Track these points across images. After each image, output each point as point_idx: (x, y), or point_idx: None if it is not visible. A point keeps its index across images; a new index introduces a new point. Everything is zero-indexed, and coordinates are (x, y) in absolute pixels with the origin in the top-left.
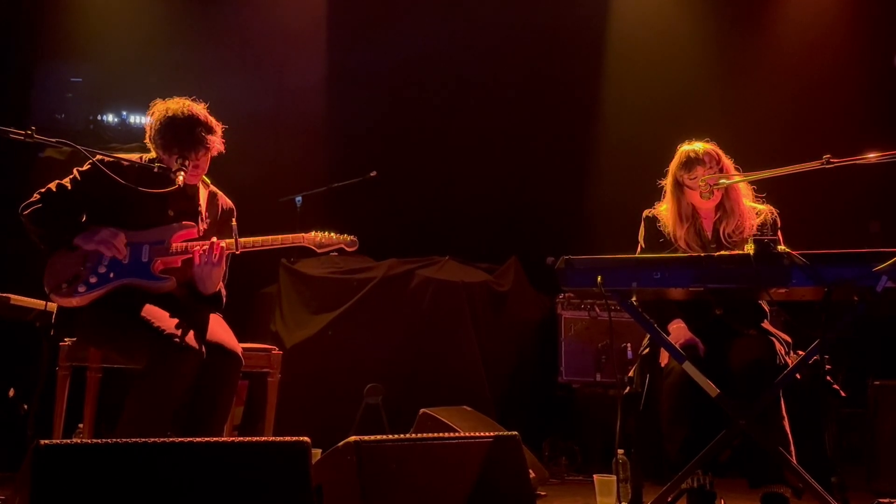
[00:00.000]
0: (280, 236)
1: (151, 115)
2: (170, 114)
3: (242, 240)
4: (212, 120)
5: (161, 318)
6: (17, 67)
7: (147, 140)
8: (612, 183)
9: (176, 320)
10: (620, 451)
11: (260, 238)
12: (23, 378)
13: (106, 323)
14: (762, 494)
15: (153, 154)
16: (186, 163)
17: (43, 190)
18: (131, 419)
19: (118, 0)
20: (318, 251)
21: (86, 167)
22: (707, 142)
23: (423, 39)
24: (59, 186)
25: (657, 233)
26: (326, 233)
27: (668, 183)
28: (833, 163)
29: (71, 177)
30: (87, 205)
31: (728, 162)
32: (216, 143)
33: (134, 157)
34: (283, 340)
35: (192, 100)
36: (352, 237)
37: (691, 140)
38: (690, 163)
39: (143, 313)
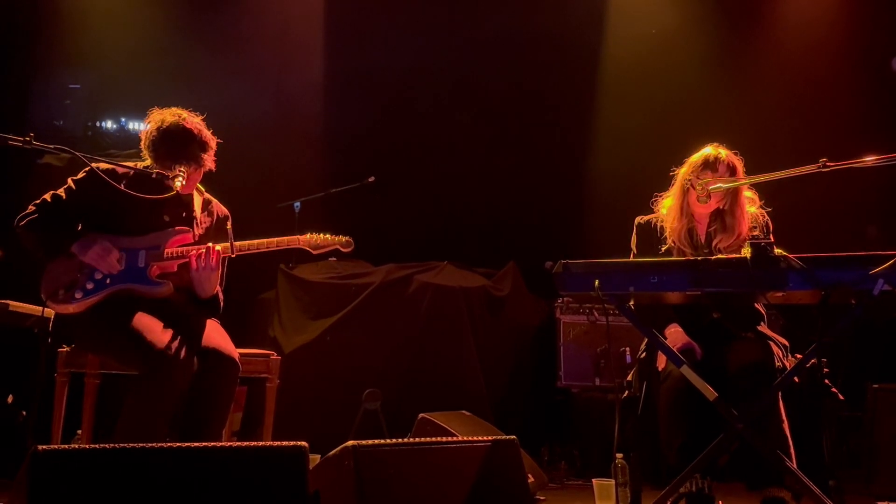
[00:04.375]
0: (275, 239)
1: (148, 123)
2: (165, 126)
3: (238, 243)
4: (206, 135)
5: (154, 330)
6: (16, 74)
7: (142, 147)
8: (610, 188)
9: (170, 332)
10: (619, 456)
11: (255, 241)
12: (21, 384)
13: (101, 332)
14: (761, 498)
15: (149, 161)
16: (183, 169)
17: (38, 201)
18: (126, 431)
19: (117, 7)
20: (314, 252)
21: (80, 175)
22: (735, 153)
23: (422, 45)
24: (54, 196)
25: (649, 239)
26: (321, 234)
27: (680, 174)
28: (830, 166)
29: (65, 187)
30: (82, 213)
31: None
32: (208, 161)
33: (130, 164)
34: (282, 346)
35: (189, 112)
36: (347, 238)
37: (719, 144)
38: (703, 165)
39: (136, 325)
